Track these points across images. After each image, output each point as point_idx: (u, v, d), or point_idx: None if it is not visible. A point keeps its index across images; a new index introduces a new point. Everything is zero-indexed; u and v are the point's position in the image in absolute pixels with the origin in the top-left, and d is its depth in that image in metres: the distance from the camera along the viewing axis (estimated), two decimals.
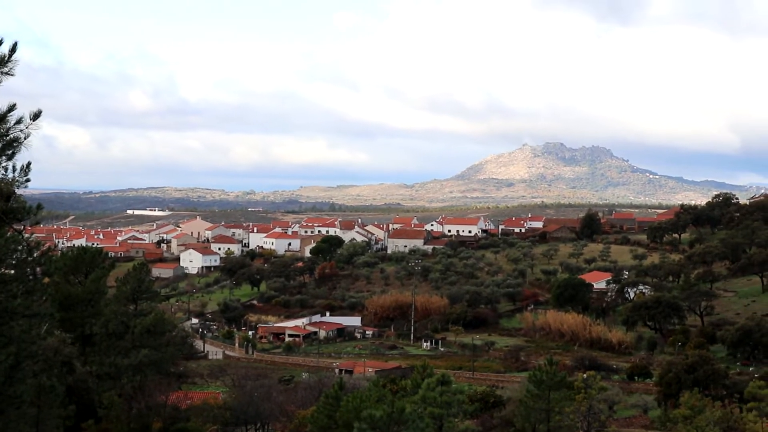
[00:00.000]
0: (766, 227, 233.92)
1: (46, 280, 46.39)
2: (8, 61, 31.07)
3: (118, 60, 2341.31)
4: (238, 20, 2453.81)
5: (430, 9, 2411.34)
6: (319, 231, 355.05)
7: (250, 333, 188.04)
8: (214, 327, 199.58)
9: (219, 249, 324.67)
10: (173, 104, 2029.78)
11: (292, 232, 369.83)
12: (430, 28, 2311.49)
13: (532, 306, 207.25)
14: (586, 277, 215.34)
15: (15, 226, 35.65)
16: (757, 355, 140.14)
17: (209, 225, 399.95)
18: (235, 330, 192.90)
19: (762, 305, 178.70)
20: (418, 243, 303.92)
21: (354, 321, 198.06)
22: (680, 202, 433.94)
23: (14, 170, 33.59)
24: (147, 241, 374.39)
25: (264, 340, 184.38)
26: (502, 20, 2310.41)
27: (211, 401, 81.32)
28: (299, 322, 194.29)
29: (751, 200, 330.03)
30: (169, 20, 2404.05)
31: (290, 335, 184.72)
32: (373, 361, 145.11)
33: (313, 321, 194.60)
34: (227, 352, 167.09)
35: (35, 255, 36.88)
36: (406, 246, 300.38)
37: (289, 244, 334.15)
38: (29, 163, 34.10)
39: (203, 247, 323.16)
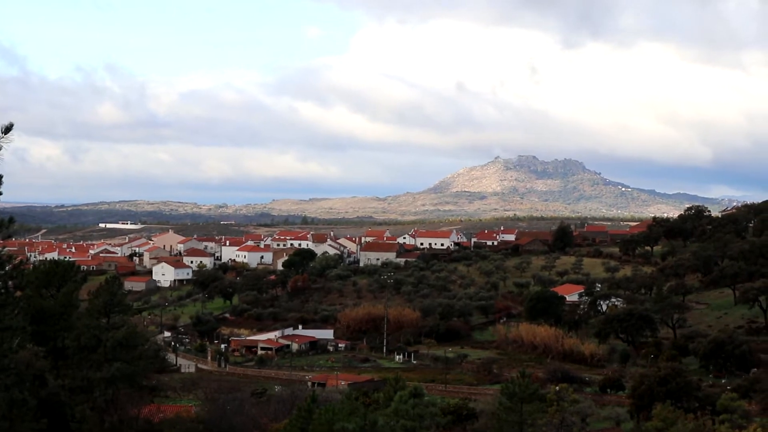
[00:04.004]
0: (738, 240, 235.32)
1: (19, 293, 46.21)
2: None
3: (87, 72, 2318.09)
4: (205, 34, 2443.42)
5: (399, 22, 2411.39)
6: (291, 244, 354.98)
7: (223, 346, 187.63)
8: (187, 340, 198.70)
9: (191, 262, 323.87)
10: (142, 117, 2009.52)
11: (265, 245, 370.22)
12: (398, 42, 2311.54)
13: (505, 319, 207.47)
14: (559, 289, 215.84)
15: None
16: (729, 367, 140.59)
17: (181, 238, 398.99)
18: (207, 343, 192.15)
19: (734, 318, 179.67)
20: (391, 256, 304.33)
21: (326, 334, 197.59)
22: (653, 215, 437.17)
23: None
24: (119, 255, 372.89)
25: (236, 354, 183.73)
26: (470, 33, 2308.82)
27: (184, 414, 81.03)
28: (272, 335, 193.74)
29: (723, 213, 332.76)
30: (136, 32, 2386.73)
31: (263, 348, 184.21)
32: (346, 374, 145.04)
33: (285, 334, 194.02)
34: (200, 366, 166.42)
35: (7, 268, 36.77)
36: (378, 259, 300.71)
37: (262, 257, 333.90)
38: (0, 177, 34.03)
39: (175, 261, 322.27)
